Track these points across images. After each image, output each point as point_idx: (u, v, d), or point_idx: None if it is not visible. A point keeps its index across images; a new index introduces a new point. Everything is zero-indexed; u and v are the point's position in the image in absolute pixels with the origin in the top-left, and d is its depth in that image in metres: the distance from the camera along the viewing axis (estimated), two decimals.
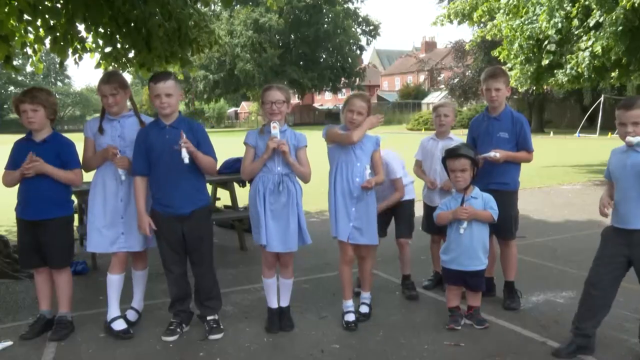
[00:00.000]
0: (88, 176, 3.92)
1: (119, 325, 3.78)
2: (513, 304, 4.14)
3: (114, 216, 3.76)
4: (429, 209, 4.48)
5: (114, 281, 3.83)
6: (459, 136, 4.70)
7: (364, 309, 4.02)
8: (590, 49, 9.76)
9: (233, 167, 6.24)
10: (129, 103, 3.93)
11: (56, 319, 3.83)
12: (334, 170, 3.85)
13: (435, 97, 45.94)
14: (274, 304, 3.89)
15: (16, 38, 6.07)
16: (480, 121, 4.28)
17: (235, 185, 6.50)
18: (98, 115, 3.89)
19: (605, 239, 3.33)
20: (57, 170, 3.67)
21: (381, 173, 3.93)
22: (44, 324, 3.83)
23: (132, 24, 6.22)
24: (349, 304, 3.96)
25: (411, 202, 4.53)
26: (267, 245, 3.69)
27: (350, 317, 3.88)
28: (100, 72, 5.42)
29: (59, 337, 3.71)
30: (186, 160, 3.48)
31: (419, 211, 4.66)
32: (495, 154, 3.96)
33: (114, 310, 3.83)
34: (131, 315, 3.96)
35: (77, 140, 3.77)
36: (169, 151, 3.57)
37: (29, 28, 5.99)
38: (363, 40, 58.00)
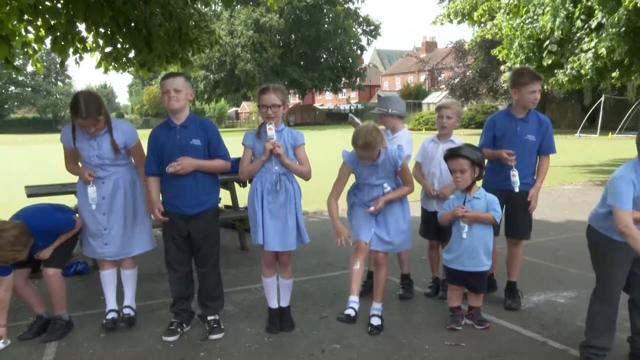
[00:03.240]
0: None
1: (108, 316, 3.88)
2: (514, 304, 4.14)
3: (98, 228, 3.81)
4: (426, 214, 4.45)
5: (105, 276, 3.94)
6: (460, 136, 4.68)
7: (376, 321, 3.80)
8: (593, 50, 9.75)
9: (234, 167, 6.23)
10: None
11: (52, 319, 3.83)
12: (354, 186, 3.88)
13: (435, 97, 45.94)
14: (274, 304, 3.89)
15: (16, 38, 6.08)
16: (506, 121, 4.14)
17: (236, 185, 6.50)
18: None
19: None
20: (54, 246, 3.73)
21: (409, 185, 3.81)
22: (43, 324, 3.83)
23: (133, 24, 6.23)
24: (354, 299, 3.78)
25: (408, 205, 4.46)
26: (265, 244, 3.69)
27: (350, 312, 3.74)
28: (100, 72, 5.35)
29: (54, 338, 3.71)
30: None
31: (411, 213, 4.61)
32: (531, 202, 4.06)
33: (109, 303, 3.94)
34: (127, 311, 3.96)
35: None
36: (179, 152, 3.58)
37: (29, 28, 5.99)
38: (364, 40, 58.19)
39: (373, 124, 3.64)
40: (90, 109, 3.57)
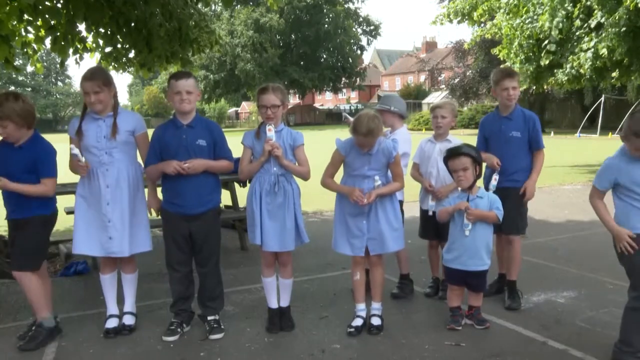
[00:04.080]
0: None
1: (109, 323, 3.82)
2: (514, 304, 4.15)
3: (102, 220, 3.69)
4: (425, 214, 4.43)
5: (105, 280, 3.88)
6: (459, 136, 4.69)
7: (376, 321, 3.76)
8: (592, 49, 9.75)
9: (234, 167, 6.22)
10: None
11: (35, 326, 3.69)
12: (343, 183, 3.79)
13: (435, 97, 45.88)
14: (273, 304, 3.89)
15: (16, 38, 6.08)
16: (492, 120, 4.30)
17: (236, 185, 6.50)
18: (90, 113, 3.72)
19: None
20: (22, 187, 3.50)
21: (400, 181, 3.75)
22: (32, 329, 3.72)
23: (133, 24, 6.23)
24: (361, 307, 3.84)
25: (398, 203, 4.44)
26: (264, 244, 3.69)
27: (357, 322, 3.78)
28: None
29: (30, 347, 3.56)
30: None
31: (411, 213, 4.61)
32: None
33: (109, 308, 3.89)
34: (128, 319, 3.89)
35: None
36: (184, 151, 3.58)
37: (29, 28, 5.99)
38: (364, 40, 58.19)
39: (373, 112, 3.64)
40: (97, 73, 3.64)
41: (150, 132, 3.76)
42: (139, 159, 3.89)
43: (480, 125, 4.43)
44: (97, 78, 3.60)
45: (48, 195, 3.65)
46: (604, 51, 9.48)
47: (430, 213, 4.21)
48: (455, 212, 3.76)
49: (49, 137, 4.04)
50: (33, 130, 3.62)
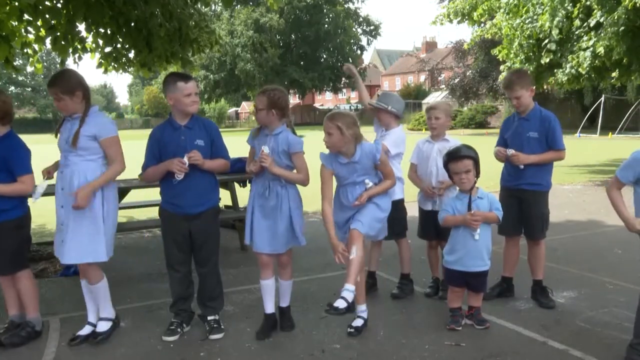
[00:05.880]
0: None
1: (83, 330, 3.74)
2: (550, 302, 4.17)
3: (57, 222, 3.64)
4: (424, 214, 4.42)
5: (84, 286, 3.81)
6: (459, 136, 4.70)
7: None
8: (591, 49, 9.75)
9: (234, 167, 6.22)
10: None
11: (23, 322, 3.69)
12: (336, 194, 3.77)
13: (435, 97, 45.85)
14: (269, 309, 3.82)
15: (16, 38, 6.08)
16: (511, 122, 4.34)
17: (236, 185, 6.50)
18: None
19: None
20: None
21: (391, 178, 3.73)
22: (15, 329, 3.70)
23: (133, 24, 6.23)
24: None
25: (400, 202, 4.38)
26: (253, 244, 3.73)
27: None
28: (100, 72, 5.27)
29: (10, 342, 3.55)
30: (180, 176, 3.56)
31: (410, 213, 4.59)
32: (512, 151, 4.08)
33: (88, 315, 3.82)
34: (101, 326, 3.74)
35: None
36: (182, 152, 3.58)
37: (29, 28, 5.99)
38: (364, 40, 58.27)
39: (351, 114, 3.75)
40: (56, 80, 3.56)
41: (148, 132, 3.75)
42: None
43: (501, 126, 4.50)
44: (56, 85, 3.53)
45: (24, 193, 3.57)
46: (600, 49, 9.47)
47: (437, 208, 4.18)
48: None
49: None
50: (8, 127, 3.55)
